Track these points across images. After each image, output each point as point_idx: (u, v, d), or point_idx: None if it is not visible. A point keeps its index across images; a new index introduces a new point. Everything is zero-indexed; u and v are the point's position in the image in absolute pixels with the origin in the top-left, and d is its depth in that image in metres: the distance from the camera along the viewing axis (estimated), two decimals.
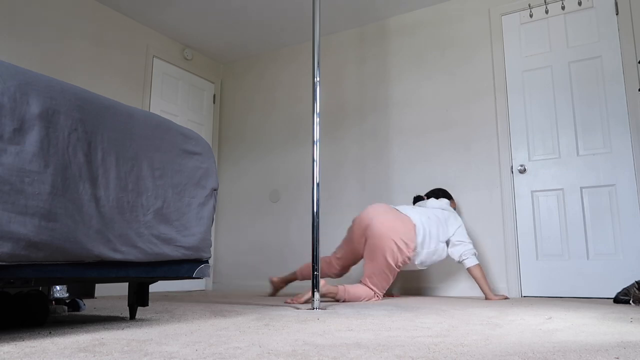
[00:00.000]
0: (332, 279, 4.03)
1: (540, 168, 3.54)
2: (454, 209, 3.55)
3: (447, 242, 3.27)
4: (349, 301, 2.93)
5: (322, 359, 1.02)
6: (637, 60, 3.29)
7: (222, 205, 5.04)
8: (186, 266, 1.86)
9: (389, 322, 1.74)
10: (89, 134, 1.49)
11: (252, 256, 4.76)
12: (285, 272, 4.54)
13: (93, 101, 1.54)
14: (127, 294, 3.46)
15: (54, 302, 2.32)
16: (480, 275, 3.20)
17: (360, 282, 3.09)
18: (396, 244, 3.01)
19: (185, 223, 1.82)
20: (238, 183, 5.00)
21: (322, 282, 2.75)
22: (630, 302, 2.65)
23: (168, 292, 4.35)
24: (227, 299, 3.27)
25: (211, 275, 4.97)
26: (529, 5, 3.73)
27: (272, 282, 3.68)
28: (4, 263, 1.23)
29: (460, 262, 3.27)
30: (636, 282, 2.66)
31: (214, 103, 5.21)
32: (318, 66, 2.74)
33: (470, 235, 3.72)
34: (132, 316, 1.93)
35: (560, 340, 1.30)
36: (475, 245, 3.68)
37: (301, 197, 4.57)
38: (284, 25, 4.55)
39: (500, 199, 3.63)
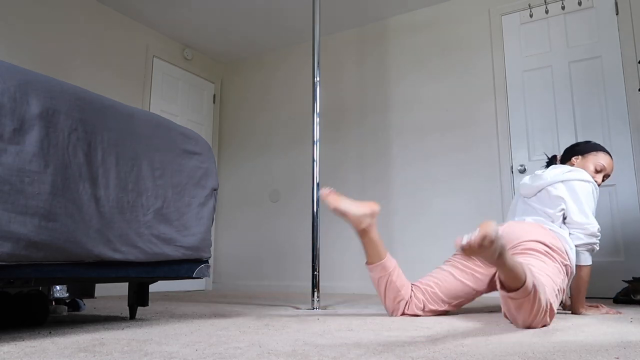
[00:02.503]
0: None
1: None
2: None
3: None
4: None
5: (322, 359, 1.02)
6: (637, 60, 3.29)
7: (222, 205, 5.04)
8: (186, 266, 1.86)
9: (389, 322, 1.74)
10: (89, 134, 1.49)
11: (252, 256, 4.76)
12: (285, 273, 4.53)
13: (93, 101, 1.54)
14: (127, 294, 3.46)
15: (54, 302, 2.31)
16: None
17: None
18: None
19: (185, 223, 1.82)
20: (238, 183, 5.00)
21: None
22: (632, 296, 2.65)
23: (168, 292, 4.35)
24: (227, 299, 3.27)
25: (211, 275, 4.97)
26: (529, 5, 3.73)
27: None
28: (4, 263, 1.23)
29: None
30: (633, 277, 2.71)
31: (214, 103, 5.21)
32: (318, 66, 2.74)
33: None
34: (132, 316, 1.93)
35: (560, 340, 1.30)
36: None
37: (301, 197, 4.57)
38: (284, 25, 4.55)
39: (500, 199, 3.62)
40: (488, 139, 3.76)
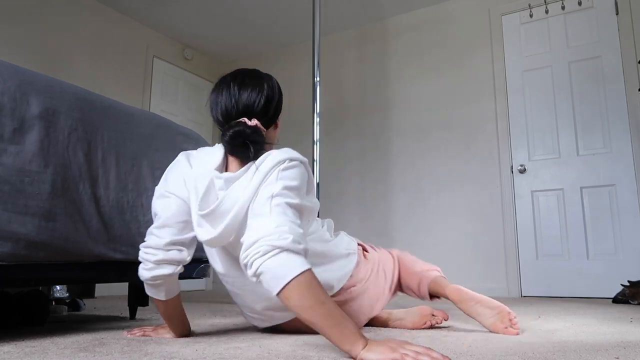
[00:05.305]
0: None
1: (540, 168, 3.54)
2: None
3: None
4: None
5: (322, 359, 1.02)
6: (637, 60, 3.29)
7: None
8: (186, 266, 1.86)
9: None
10: (89, 133, 1.49)
11: None
12: None
13: (93, 101, 1.54)
14: (127, 294, 3.45)
15: (54, 302, 2.32)
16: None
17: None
18: None
19: None
20: None
21: None
22: (629, 301, 2.67)
23: None
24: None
25: (211, 275, 4.96)
26: (529, 5, 3.73)
27: None
28: (4, 263, 1.23)
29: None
30: (628, 281, 2.72)
31: None
32: (318, 66, 2.74)
33: (469, 235, 3.72)
34: (132, 316, 1.93)
35: (560, 340, 1.30)
36: (474, 245, 3.68)
37: None
38: (284, 25, 4.55)
39: (500, 199, 3.62)
40: (488, 139, 3.76)
